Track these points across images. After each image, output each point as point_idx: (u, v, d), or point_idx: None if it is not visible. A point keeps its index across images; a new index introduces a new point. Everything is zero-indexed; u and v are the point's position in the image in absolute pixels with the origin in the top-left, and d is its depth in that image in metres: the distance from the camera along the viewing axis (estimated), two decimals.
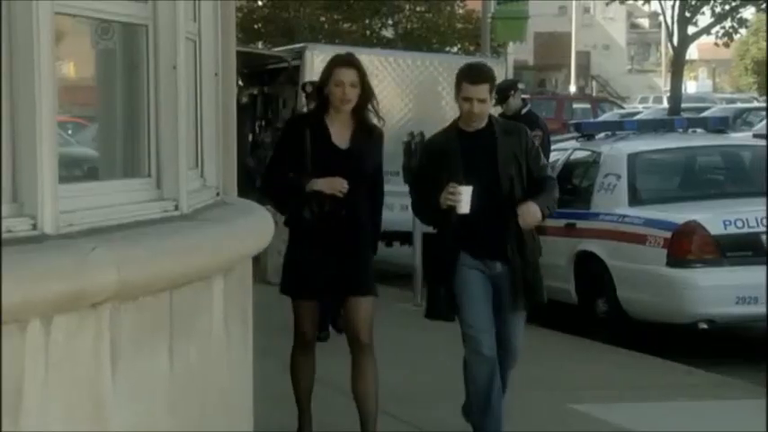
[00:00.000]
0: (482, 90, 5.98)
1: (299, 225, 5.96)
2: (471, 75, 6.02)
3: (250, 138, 9.02)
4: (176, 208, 3.77)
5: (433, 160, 6.09)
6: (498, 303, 6.00)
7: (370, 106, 6.00)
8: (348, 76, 5.85)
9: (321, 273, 5.89)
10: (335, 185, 5.82)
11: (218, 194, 4.37)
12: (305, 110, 8.70)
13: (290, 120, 6.47)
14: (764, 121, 24.50)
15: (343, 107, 5.86)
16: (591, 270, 9.65)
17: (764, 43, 69.08)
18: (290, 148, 5.95)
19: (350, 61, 5.96)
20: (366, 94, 5.95)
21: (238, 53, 5.45)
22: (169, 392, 3.43)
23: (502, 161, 5.98)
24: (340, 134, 5.94)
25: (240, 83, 14.23)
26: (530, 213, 5.89)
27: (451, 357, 6.53)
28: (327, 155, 5.88)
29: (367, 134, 5.98)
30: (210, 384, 3.75)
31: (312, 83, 7.75)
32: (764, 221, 8.76)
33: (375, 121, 6.08)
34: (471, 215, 5.82)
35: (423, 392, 7.50)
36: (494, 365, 5.93)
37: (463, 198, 5.82)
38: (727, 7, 30.89)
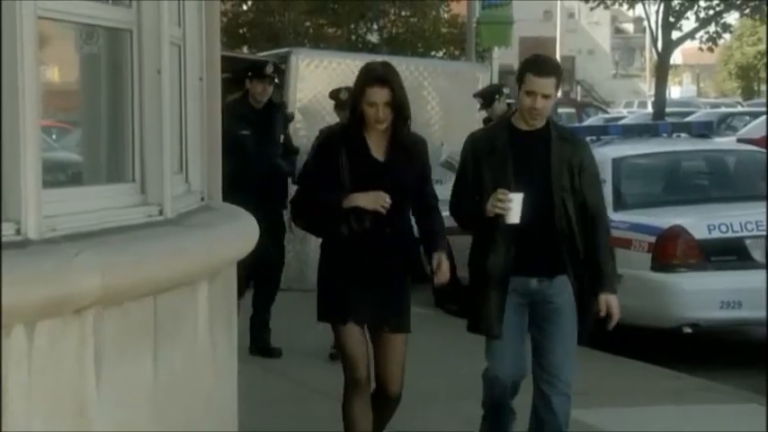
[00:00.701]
0: (548, 84, 5.39)
1: (336, 246, 5.43)
2: (538, 65, 5.43)
3: (282, 139, 8.88)
4: (161, 213, 3.75)
5: (478, 158, 5.50)
6: (543, 337, 5.48)
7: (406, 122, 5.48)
8: (381, 96, 5.32)
9: (364, 297, 5.33)
10: (378, 200, 5.31)
11: (202, 199, 4.36)
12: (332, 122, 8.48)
13: (323, 134, 5.77)
14: (748, 126, 24.56)
15: (378, 127, 5.38)
16: None
17: (748, 48, 69.35)
18: (324, 164, 5.45)
19: (383, 79, 5.37)
20: (404, 111, 5.40)
21: (223, 58, 5.44)
22: (153, 398, 3.42)
23: (555, 169, 5.39)
24: (378, 146, 5.45)
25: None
26: (616, 312, 5.47)
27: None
28: (366, 169, 5.39)
29: (407, 144, 5.47)
30: (195, 390, 3.74)
31: (348, 89, 7.49)
32: (748, 226, 8.79)
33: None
34: (512, 225, 5.31)
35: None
36: (511, 397, 5.63)
37: (513, 206, 5.28)
38: (710, 12, 30.98)
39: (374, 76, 5.40)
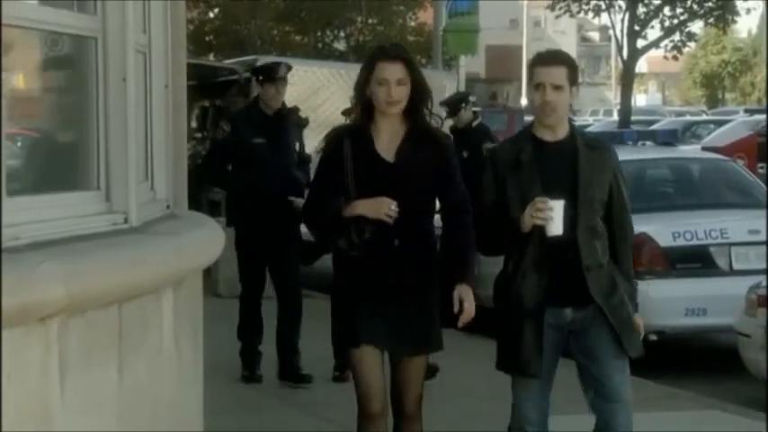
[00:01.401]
0: (557, 73, 4.85)
1: (344, 261, 4.78)
2: (544, 56, 4.97)
3: (297, 147, 8.29)
4: (126, 221, 3.74)
5: (501, 174, 4.93)
6: (591, 361, 4.97)
7: (425, 108, 4.82)
8: (393, 71, 4.67)
9: (377, 318, 4.73)
10: (381, 208, 4.66)
11: (168, 207, 4.34)
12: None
13: (328, 133, 5.03)
14: (713, 134, 24.73)
15: (389, 110, 4.70)
16: None
17: (712, 57, 69.83)
18: (330, 168, 4.81)
19: (396, 53, 4.78)
20: (420, 92, 4.76)
21: (189, 65, 5.43)
22: (118, 406, 3.40)
23: (583, 180, 4.87)
24: (388, 144, 4.77)
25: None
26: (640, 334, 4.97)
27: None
28: (372, 170, 4.73)
29: (424, 141, 4.79)
30: (160, 398, 3.72)
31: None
32: (713, 234, 8.86)
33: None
34: (543, 248, 4.79)
35: None
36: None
37: (555, 215, 4.71)
38: (675, 21, 31.24)
39: (385, 51, 4.84)
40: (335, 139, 4.86)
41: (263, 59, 14.65)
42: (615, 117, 33.50)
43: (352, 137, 4.79)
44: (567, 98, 4.90)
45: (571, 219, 4.80)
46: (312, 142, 13.74)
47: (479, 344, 9.45)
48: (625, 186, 5.08)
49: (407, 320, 4.76)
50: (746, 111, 37.78)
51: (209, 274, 11.52)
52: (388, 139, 4.78)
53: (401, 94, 4.70)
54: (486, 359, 8.59)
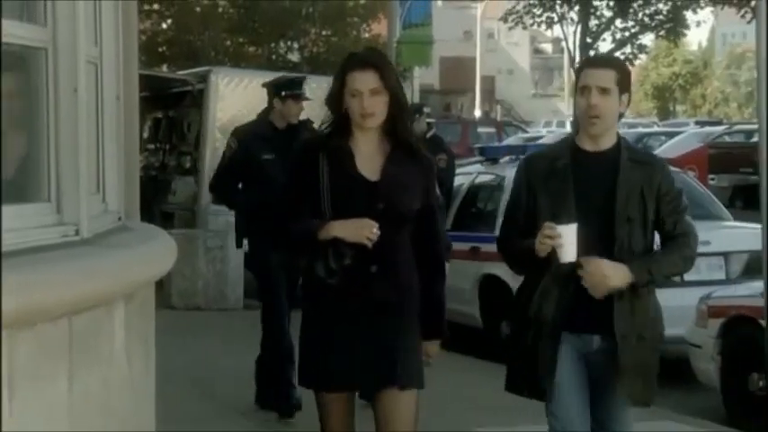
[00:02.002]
0: (605, 76, 4.45)
1: (316, 289, 4.34)
2: (592, 58, 4.62)
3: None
4: (77, 233, 3.72)
5: (533, 183, 4.55)
6: (599, 391, 4.58)
7: (406, 120, 4.47)
8: (365, 81, 4.27)
9: (349, 355, 4.29)
10: (362, 230, 4.24)
11: (120, 219, 4.32)
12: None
13: (302, 145, 4.62)
14: (664, 146, 24.93)
15: (365, 123, 4.31)
16: (495, 293, 9.72)
17: (663, 69, 70.46)
18: (305, 184, 4.37)
19: (367, 60, 4.35)
20: (397, 102, 4.35)
21: (142, 76, 5.40)
22: (69, 420, 3.38)
23: (622, 197, 4.45)
24: (369, 161, 4.37)
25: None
26: (596, 274, 4.37)
27: None
28: (350, 189, 4.32)
29: (407, 159, 4.40)
30: (112, 411, 3.70)
31: None
32: None
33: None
34: (567, 268, 4.41)
35: None
36: None
37: (565, 241, 4.35)
38: (626, 34, 31.49)
39: (356, 59, 4.39)
40: (311, 153, 4.41)
41: (216, 71, 14.63)
42: (568, 128, 33.67)
43: (329, 151, 4.37)
44: (614, 105, 4.49)
45: (606, 239, 4.42)
46: None
47: (455, 359, 9.47)
48: (681, 200, 4.60)
49: (386, 355, 4.29)
50: (697, 123, 38.17)
51: (162, 286, 11.48)
52: (368, 155, 4.38)
53: (376, 105, 4.29)
54: (459, 373, 8.62)
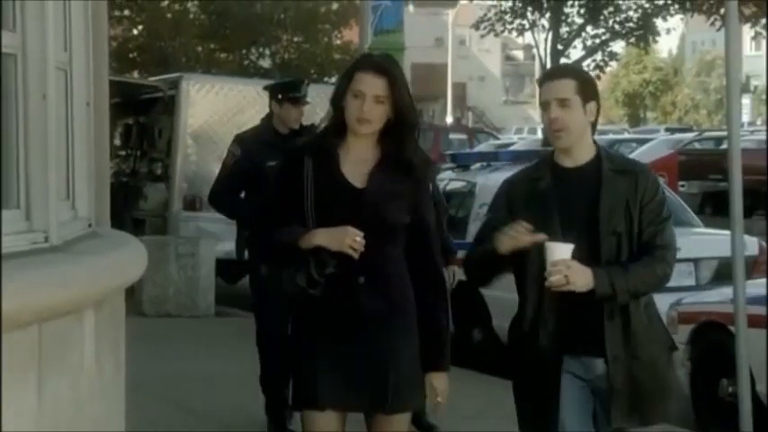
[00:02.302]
0: (562, 87, 4.25)
1: (299, 301, 4.14)
2: (549, 71, 4.55)
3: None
4: (46, 240, 3.70)
5: (514, 205, 4.37)
6: (605, 419, 4.32)
7: (411, 139, 4.18)
8: (373, 85, 4.06)
9: (338, 372, 4.06)
10: (345, 238, 4.02)
11: (90, 225, 4.30)
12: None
13: (290, 149, 4.42)
14: (635, 153, 25.03)
15: (359, 129, 4.10)
16: (467, 300, 9.73)
17: (634, 76, 70.83)
18: (290, 191, 4.16)
19: (381, 66, 4.12)
20: (402, 116, 4.12)
21: (112, 82, 5.38)
22: (38, 428, 3.36)
23: (605, 210, 4.26)
24: (356, 168, 4.16)
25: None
26: (559, 271, 4.13)
27: None
28: (334, 194, 4.12)
29: (400, 167, 4.15)
30: (82, 419, 3.68)
31: None
32: None
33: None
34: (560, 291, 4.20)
35: None
36: None
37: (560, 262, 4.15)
38: (597, 41, 31.63)
39: (369, 61, 4.21)
40: (297, 158, 4.20)
41: (188, 77, 14.59)
42: (539, 135, 33.81)
43: (315, 156, 4.15)
44: (577, 115, 4.27)
45: (593, 255, 4.21)
46: None
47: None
48: (662, 211, 4.34)
49: (377, 376, 4.06)
50: (667, 129, 38.37)
51: (132, 293, 11.44)
52: (358, 161, 4.16)
53: (376, 113, 4.07)
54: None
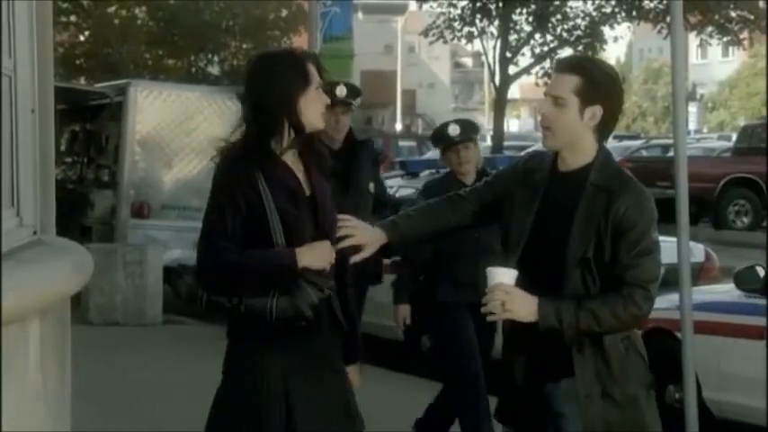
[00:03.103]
0: (562, 83, 3.84)
1: (259, 330, 3.80)
2: (559, 61, 4.03)
3: (372, 187, 6.95)
4: None
5: (513, 182, 4.01)
6: None
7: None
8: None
9: (311, 403, 3.83)
10: (327, 254, 3.82)
11: (35, 233, 4.26)
12: None
13: (229, 158, 3.87)
14: None
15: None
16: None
17: None
18: (240, 207, 3.79)
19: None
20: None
21: (58, 89, 5.33)
22: None
23: (576, 233, 3.80)
24: (297, 170, 3.93)
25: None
26: (496, 298, 3.75)
27: None
28: (296, 207, 3.83)
29: (321, 167, 3.99)
30: (26, 428, 3.64)
31: (347, 84, 6.13)
32: None
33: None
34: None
35: None
36: None
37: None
38: (545, 49, 31.79)
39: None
40: (246, 172, 3.81)
41: (135, 83, 14.51)
42: (488, 142, 33.95)
43: (263, 166, 3.83)
44: (569, 117, 3.84)
45: (557, 282, 3.81)
46: (185, 168, 13.71)
47: (376, 373, 9.45)
48: (642, 241, 3.83)
49: (339, 397, 3.92)
50: (615, 137, 38.59)
51: (79, 301, 11.34)
52: (293, 162, 3.92)
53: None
54: (376, 385, 8.59)
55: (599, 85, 3.86)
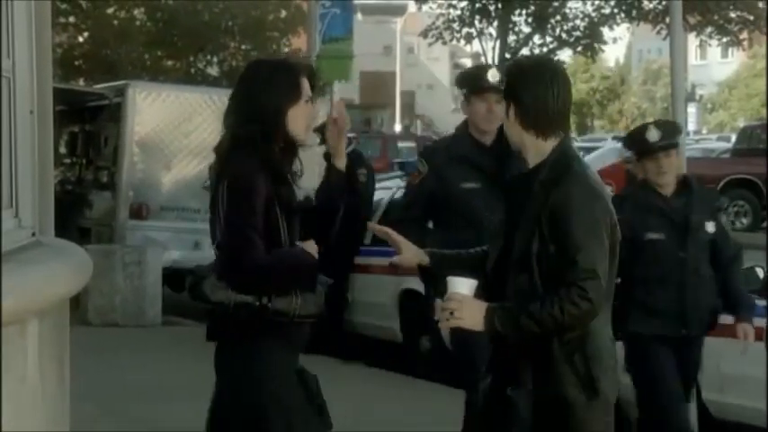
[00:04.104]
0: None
1: (272, 331, 3.93)
2: None
3: None
4: None
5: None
6: None
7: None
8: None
9: (312, 404, 4.03)
10: (315, 252, 4.02)
11: (33, 235, 4.26)
12: None
13: (249, 163, 3.93)
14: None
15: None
16: (415, 308, 9.74)
17: (581, 85, 71.33)
18: (261, 208, 3.91)
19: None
20: None
21: (57, 90, 5.32)
22: None
23: (521, 230, 3.78)
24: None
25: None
26: (455, 306, 3.73)
27: None
28: (294, 210, 4.02)
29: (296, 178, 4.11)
30: (25, 430, 3.64)
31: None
32: None
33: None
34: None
35: None
36: None
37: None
38: (544, 49, 31.81)
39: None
40: (260, 176, 3.91)
41: (134, 84, 14.50)
42: None
43: (273, 170, 3.95)
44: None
45: (502, 284, 3.81)
46: (184, 169, 13.70)
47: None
48: (573, 233, 3.67)
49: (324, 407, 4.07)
50: (614, 138, 38.57)
51: (78, 302, 11.35)
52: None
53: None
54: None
55: (511, 81, 3.90)
